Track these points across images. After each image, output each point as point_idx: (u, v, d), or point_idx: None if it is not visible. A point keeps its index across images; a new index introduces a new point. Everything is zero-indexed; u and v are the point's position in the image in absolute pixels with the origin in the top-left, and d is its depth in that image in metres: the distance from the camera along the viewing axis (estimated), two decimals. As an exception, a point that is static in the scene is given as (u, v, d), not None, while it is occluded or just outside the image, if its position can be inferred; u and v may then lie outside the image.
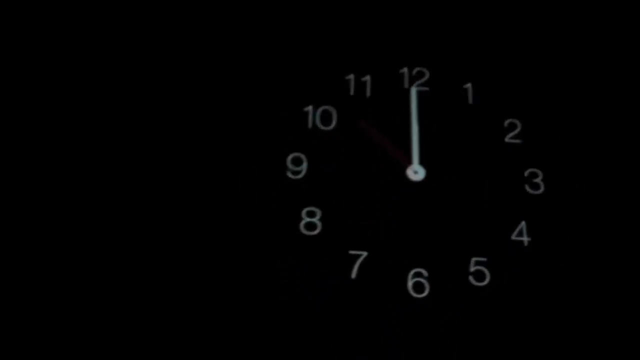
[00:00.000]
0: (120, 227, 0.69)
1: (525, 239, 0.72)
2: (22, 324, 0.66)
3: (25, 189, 0.70)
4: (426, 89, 0.78)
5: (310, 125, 0.75)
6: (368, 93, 0.77)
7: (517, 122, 0.77)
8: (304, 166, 0.73)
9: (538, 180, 0.75)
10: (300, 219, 0.71)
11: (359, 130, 0.75)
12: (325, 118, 0.76)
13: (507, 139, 0.76)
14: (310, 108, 0.76)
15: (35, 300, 0.66)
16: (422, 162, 0.74)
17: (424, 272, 0.70)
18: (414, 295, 0.69)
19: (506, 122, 0.77)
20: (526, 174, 0.75)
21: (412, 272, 0.70)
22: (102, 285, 0.67)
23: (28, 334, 0.65)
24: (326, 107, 0.76)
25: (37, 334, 0.65)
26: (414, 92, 0.77)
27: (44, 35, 0.76)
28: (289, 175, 0.73)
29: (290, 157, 0.73)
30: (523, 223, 0.72)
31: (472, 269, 0.70)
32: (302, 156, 0.74)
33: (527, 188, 0.74)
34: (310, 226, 0.71)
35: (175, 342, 0.66)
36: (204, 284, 0.68)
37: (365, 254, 0.70)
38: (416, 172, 0.74)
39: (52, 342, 0.65)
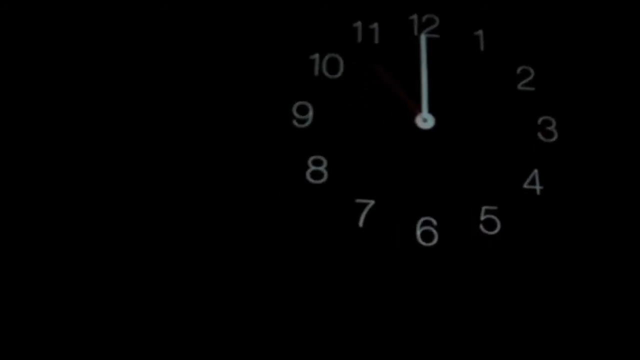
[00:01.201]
0: (125, 190, 0.69)
1: (537, 187, 0.70)
2: (22, 324, 0.65)
3: (23, 189, 0.69)
4: (436, 36, 0.76)
5: (316, 73, 0.73)
6: (376, 40, 0.75)
7: (530, 69, 0.75)
8: (310, 115, 0.72)
9: (551, 128, 0.73)
10: (307, 167, 0.70)
11: (369, 77, 0.73)
12: (332, 66, 0.74)
13: (519, 87, 0.74)
14: (316, 56, 0.74)
15: (36, 300, 0.66)
16: (432, 110, 0.72)
17: (433, 221, 0.68)
18: (423, 244, 0.68)
19: (519, 70, 0.75)
20: (539, 121, 0.73)
21: (420, 221, 0.68)
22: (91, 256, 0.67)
23: (28, 334, 0.65)
24: (333, 54, 0.74)
25: (37, 334, 0.65)
26: (423, 39, 0.75)
27: (44, 35, 0.75)
28: (295, 124, 0.71)
29: (296, 105, 0.72)
30: (535, 171, 0.71)
31: (483, 217, 0.69)
32: (308, 105, 0.72)
33: (540, 136, 0.72)
34: (317, 175, 0.69)
35: (183, 299, 0.66)
36: (213, 232, 0.67)
37: (372, 202, 0.68)
38: (425, 120, 0.72)
39: (52, 342, 0.65)
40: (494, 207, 0.69)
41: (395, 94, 0.73)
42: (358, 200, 0.69)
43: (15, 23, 0.74)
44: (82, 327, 0.65)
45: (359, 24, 0.76)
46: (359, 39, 0.75)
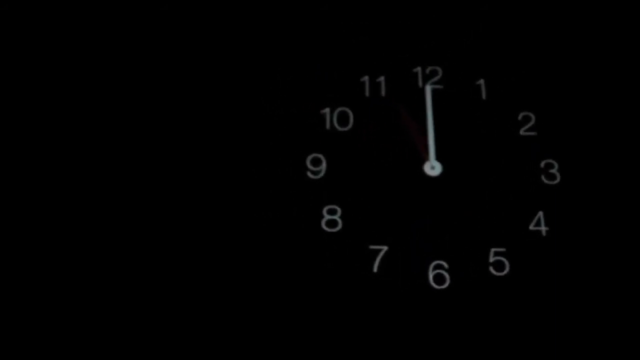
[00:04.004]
0: (136, 228, 0.72)
1: (543, 228, 0.73)
2: (22, 324, 0.67)
3: (25, 189, 0.71)
4: (440, 86, 0.79)
5: (328, 126, 0.77)
6: (383, 93, 0.79)
7: (531, 114, 0.78)
8: (323, 166, 0.75)
9: (554, 170, 0.76)
10: (322, 216, 0.73)
11: (377, 128, 0.77)
12: (342, 119, 0.78)
13: (521, 132, 0.78)
14: (327, 110, 0.78)
15: (35, 300, 0.67)
16: (439, 157, 0.76)
17: (445, 264, 0.71)
18: (435, 287, 0.70)
19: (520, 116, 0.78)
20: (542, 165, 0.76)
21: (432, 265, 0.71)
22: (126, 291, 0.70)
23: (28, 334, 0.66)
24: (343, 108, 0.78)
25: (37, 334, 0.66)
26: (428, 90, 0.79)
27: (44, 35, 0.77)
28: (309, 175, 0.75)
29: (309, 157, 0.76)
30: (540, 213, 0.74)
31: (492, 259, 0.71)
32: (321, 157, 0.76)
33: (544, 179, 0.75)
34: (332, 223, 0.73)
35: (194, 340, 0.69)
36: (229, 283, 0.70)
37: (385, 248, 0.72)
38: (433, 168, 0.75)
39: (52, 342, 0.66)
40: (502, 249, 0.72)
41: (409, 137, 0.76)
42: (372, 247, 0.72)
43: (16, 23, 0.76)
44: (81, 326, 0.67)
45: (366, 79, 0.80)
46: (367, 92, 0.79)
